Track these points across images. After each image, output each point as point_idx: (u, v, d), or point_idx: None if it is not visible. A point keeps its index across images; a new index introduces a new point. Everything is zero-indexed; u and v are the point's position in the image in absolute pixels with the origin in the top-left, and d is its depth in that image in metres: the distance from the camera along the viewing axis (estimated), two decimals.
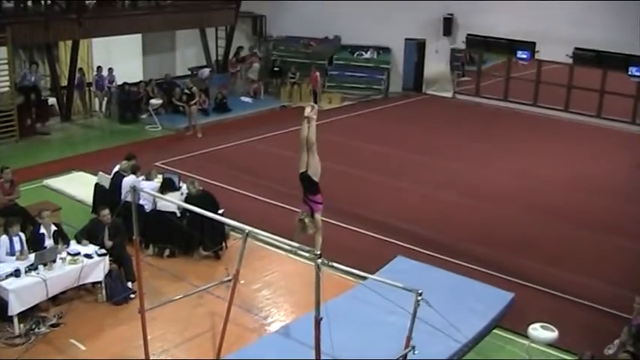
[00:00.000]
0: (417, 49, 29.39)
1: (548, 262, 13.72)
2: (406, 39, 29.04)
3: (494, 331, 11.19)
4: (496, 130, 24.06)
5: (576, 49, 24.01)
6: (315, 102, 26.64)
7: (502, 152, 21.14)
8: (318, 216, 9.39)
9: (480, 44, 27.04)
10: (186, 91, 22.74)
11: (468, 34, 27.09)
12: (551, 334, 9.97)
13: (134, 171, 14.34)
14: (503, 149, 21.49)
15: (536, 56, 25.40)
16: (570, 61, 24.55)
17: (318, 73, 27.24)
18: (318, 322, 6.79)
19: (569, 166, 19.76)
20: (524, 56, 25.52)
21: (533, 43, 25.03)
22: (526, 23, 24.78)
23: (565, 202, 17.04)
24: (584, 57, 24.04)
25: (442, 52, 28.51)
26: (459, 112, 26.85)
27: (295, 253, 11.66)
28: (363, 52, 29.30)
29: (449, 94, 28.82)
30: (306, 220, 9.31)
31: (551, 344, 10.27)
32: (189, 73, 28.08)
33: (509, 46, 25.73)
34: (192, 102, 22.42)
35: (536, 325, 10.10)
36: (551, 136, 23.34)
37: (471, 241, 14.60)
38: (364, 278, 9.75)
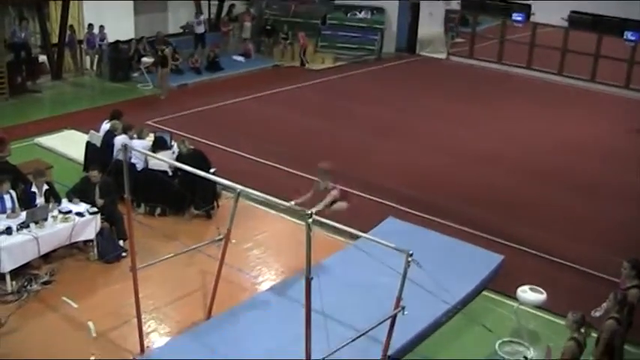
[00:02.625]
0: (411, 9, 29.22)
1: (537, 224, 13.80)
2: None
3: (484, 292, 11.29)
4: (489, 92, 24.00)
5: (572, 12, 23.92)
6: (303, 64, 26.64)
7: (494, 115, 21.14)
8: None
9: (476, 6, 26.93)
10: (159, 53, 22.20)
11: None
12: (540, 296, 10.05)
13: (125, 130, 14.26)
14: (495, 112, 21.48)
15: (532, 19, 25.29)
16: (566, 24, 24.46)
17: (303, 34, 27.25)
18: (308, 281, 6.82)
19: (561, 130, 19.80)
20: (520, 19, 25.44)
21: (529, 6, 24.95)
22: None
23: (555, 165, 17.11)
24: (579, 21, 23.99)
25: (437, 14, 28.33)
26: (452, 73, 26.78)
27: (287, 213, 11.71)
28: (357, 13, 29.07)
29: (442, 56, 28.71)
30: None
31: (539, 306, 10.36)
32: (181, 31, 27.84)
33: (505, 9, 25.63)
34: (164, 66, 21.89)
35: (525, 288, 10.17)
36: (544, 99, 23.32)
37: (461, 202, 14.65)
38: (355, 238, 9.78)
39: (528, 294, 10.07)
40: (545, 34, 26.44)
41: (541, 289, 10.09)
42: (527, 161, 17.25)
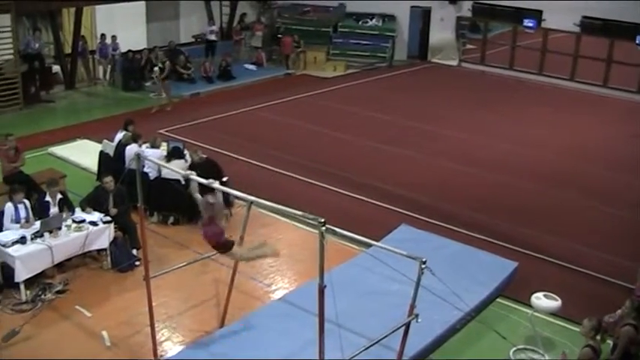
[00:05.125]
0: (422, 16, 29.25)
1: (551, 231, 13.73)
2: (411, 7, 28.92)
3: (498, 300, 11.24)
4: (500, 98, 23.95)
5: (584, 17, 23.85)
6: (287, 67, 26.71)
7: (506, 121, 21.08)
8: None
9: (486, 12, 26.88)
10: (159, 65, 22.06)
11: (475, 2, 26.90)
12: (555, 303, 9.99)
13: (135, 139, 14.29)
14: (508, 118, 21.43)
15: (543, 25, 25.23)
16: (577, 29, 24.39)
17: (290, 39, 27.52)
18: (321, 289, 6.80)
19: (573, 135, 19.73)
20: (531, 25, 25.38)
21: (540, 12, 24.86)
22: None
23: (568, 170, 17.03)
24: (591, 26, 23.92)
25: (447, 20, 28.33)
26: (463, 80, 26.75)
27: (299, 221, 11.69)
28: (368, 20, 29.11)
29: (454, 63, 28.68)
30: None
31: (554, 313, 10.30)
32: (193, 40, 27.96)
33: (516, 15, 25.58)
34: (163, 76, 21.75)
35: (540, 294, 10.12)
36: (556, 105, 23.25)
37: (474, 209, 14.61)
38: (368, 246, 9.76)
39: (543, 301, 10.02)
40: (557, 40, 26.39)
41: (555, 296, 10.04)
42: (540, 167, 17.18)
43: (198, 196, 9.08)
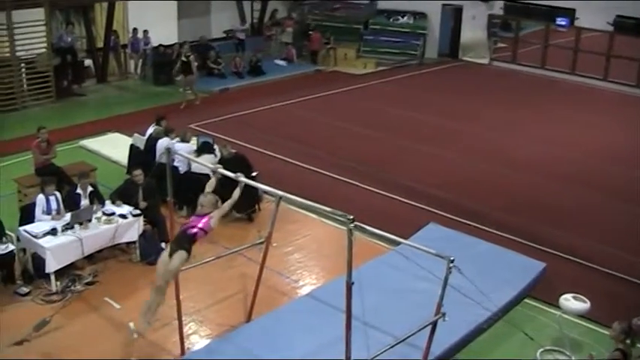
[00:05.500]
0: (453, 14, 29.11)
1: (581, 232, 13.61)
2: (443, 4, 28.79)
3: (525, 300, 11.16)
4: (531, 97, 23.72)
5: (618, 16, 23.57)
6: (315, 62, 26.68)
7: (537, 120, 20.90)
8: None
9: (519, 10, 26.69)
10: (183, 58, 21.76)
11: (507, 1, 26.72)
12: (583, 305, 9.90)
13: (167, 132, 14.40)
14: (538, 117, 21.24)
15: (576, 23, 24.99)
16: (611, 29, 24.13)
17: (318, 35, 27.47)
18: (349, 286, 6.81)
19: (606, 136, 19.51)
20: (564, 23, 25.16)
21: (573, 10, 24.62)
22: None
23: (599, 172, 16.86)
24: (625, 25, 23.63)
25: (479, 19, 28.16)
26: (494, 79, 26.59)
27: (327, 217, 11.71)
28: (400, 17, 29.02)
29: (485, 61, 28.50)
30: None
31: (582, 315, 10.21)
32: (224, 35, 28.07)
33: (549, 13, 25.36)
34: (189, 71, 21.54)
35: (568, 296, 10.03)
36: (588, 105, 23.03)
37: (503, 209, 14.53)
38: (396, 244, 9.75)
39: (571, 302, 9.93)
40: (590, 39, 26.11)
41: (584, 298, 9.95)
42: (570, 168, 17.03)
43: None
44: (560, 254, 12.65)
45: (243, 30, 27.05)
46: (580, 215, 14.52)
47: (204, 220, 8.33)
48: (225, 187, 12.97)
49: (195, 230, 8.26)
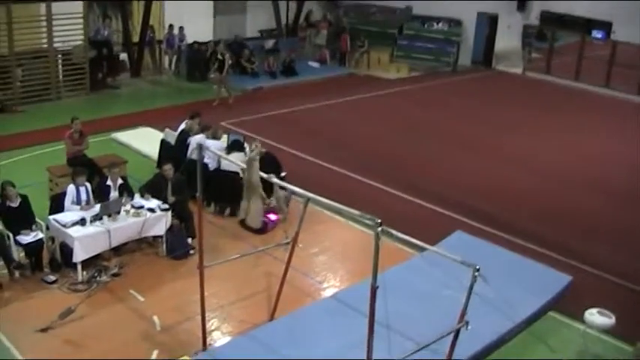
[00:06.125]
0: (489, 23, 29.00)
1: (609, 246, 13.46)
2: (479, 12, 28.66)
3: (550, 313, 11.05)
4: (564, 108, 23.57)
5: None
6: (344, 64, 26.68)
7: (569, 132, 20.75)
8: None
9: (555, 21, 26.52)
10: (219, 56, 21.93)
11: (543, 11, 26.55)
12: (608, 320, 9.82)
13: (203, 130, 14.49)
14: (571, 129, 21.08)
15: (612, 37, 24.77)
16: None
17: (347, 36, 27.49)
18: (374, 289, 6.80)
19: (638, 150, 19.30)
20: (600, 36, 24.96)
21: (610, 23, 24.41)
22: (603, 2, 24.13)
23: (630, 187, 16.64)
24: None
25: (514, 28, 28.01)
26: (527, 89, 26.44)
27: (354, 220, 11.70)
28: (434, 24, 28.98)
29: (519, 71, 28.35)
30: None
31: (607, 330, 10.12)
32: (259, 35, 28.18)
33: (585, 25, 25.19)
34: (224, 69, 21.70)
35: (593, 310, 9.95)
36: (622, 118, 22.78)
37: (532, 219, 14.42)
38: (422, 249, 9.73)
39: (596, 317, 9.85)
40: (625, 52, 25.82)
41: (610, 313, 9.86)
42: (601, 181, 16.87)
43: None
44: (588, 268, 12.50)
45: (272, 43, 27.09)
46: (610, 229, 14.34)
47: None
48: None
49: None
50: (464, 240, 12.68)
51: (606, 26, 24.58)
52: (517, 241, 13.23)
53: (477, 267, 7.21)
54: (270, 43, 26.99)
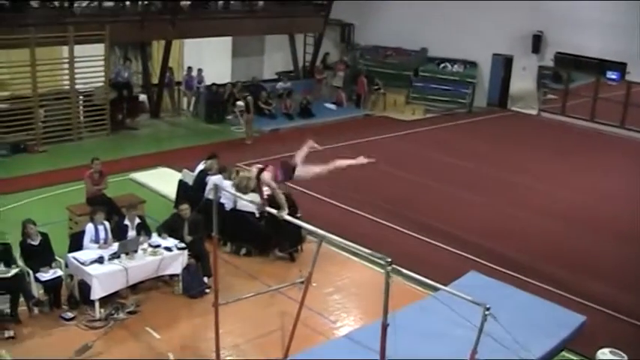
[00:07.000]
0: (504, 64, 29.16)
1: (622, 287, 13.45)
2: (494, 54, 28.86)
3: (563, 353, 11.07)
4: (580, 150, 23.64)
5: None
6: (359, 105, 26.86)
7: (584, 173, 20.82)
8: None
9: (569, 63, 26.69)
10: (247, 99, 22.41)
11: (557, 53, 26.76)
12: None
13: (220, 171, 14.69)
14: (585, 170, 21.15)
15: (627, 77, 24.90)
16: None
17: (364, 79, 27.68)
18: (384, 327, 6.90)
19: None
20: (614, 77, 25.08)
21: (624, 64, 24.56)
22: (617, 43, 24.35)
23: None
24: None
25: (529, 70, 28.20)
26: (543, 130, 26.49)
27: (368, 260, 11.78)
28: (449, 65, 29.17)
29: (534, 112, 28.47)
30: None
31: None
32: (276, 77, 28.50)
33: (599, 66, 25.33)
34: (248, 112, 22.16)
35: (606, 350, 9.97)
36: (637, 158, 22.77)
37: (546, 260, 14.44)
38: (435, 289, 9.82)
39: (608, 357, 9.86)
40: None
41: (622, 353, 9.87)
42: (615, 222, 16.86)
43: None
44: (601, 308, 12.51)
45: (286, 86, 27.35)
46: (623, 270, 14.34)
47: None
48: (271, 226, 13.27)
49: None
50: (477, 280, 12.73)
51: (621, 67, 24.72)
52: (531, 282, 13.26)
53: (488, 306, 7.28)
54: (283, 85, 27.24)
